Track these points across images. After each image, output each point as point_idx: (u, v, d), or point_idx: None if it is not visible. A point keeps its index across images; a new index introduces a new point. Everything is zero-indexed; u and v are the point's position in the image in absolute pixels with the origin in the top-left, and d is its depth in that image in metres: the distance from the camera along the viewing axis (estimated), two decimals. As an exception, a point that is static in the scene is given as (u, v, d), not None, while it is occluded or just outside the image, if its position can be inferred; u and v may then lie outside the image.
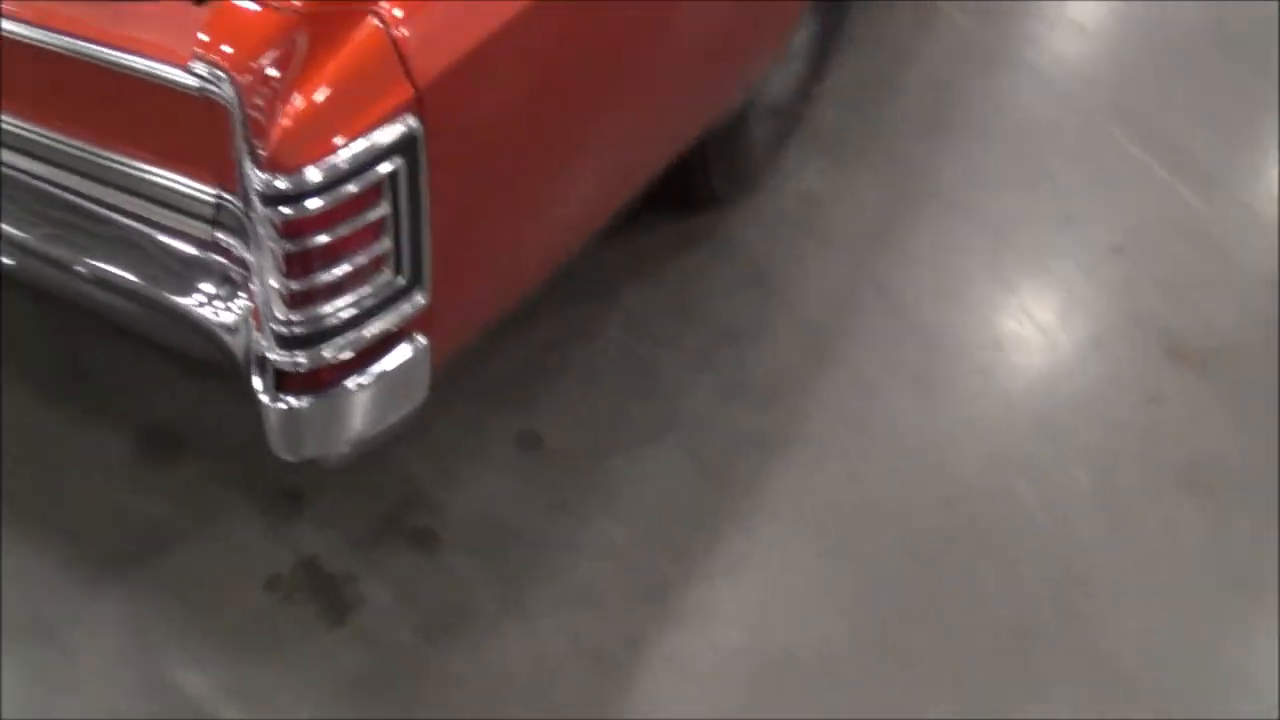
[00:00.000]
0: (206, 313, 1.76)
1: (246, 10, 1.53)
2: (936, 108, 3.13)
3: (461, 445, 2.46)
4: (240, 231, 1.66)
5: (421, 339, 1.76)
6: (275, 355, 1.66)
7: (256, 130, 1.50)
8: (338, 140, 1.52)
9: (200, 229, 1.74)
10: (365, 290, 1.65)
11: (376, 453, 2.36)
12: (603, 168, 2.12)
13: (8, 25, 1.70)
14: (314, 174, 1.52)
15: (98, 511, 2.36)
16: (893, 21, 3.35)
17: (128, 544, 2.32)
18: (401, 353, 1.75)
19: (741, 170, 2.78)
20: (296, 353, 1.65)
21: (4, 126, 1.84)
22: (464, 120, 1.67)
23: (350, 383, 1.71)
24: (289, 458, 1.75)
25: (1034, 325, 2.67)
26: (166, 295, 1.78)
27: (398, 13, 1.56)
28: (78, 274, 1.85)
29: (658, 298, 2.70)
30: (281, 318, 1.63)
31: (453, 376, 2.49)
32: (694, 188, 2.73)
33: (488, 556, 2.30)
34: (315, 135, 1.52)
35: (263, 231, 1.57)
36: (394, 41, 1.55)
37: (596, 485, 2.40)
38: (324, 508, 2.37)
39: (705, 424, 2.49)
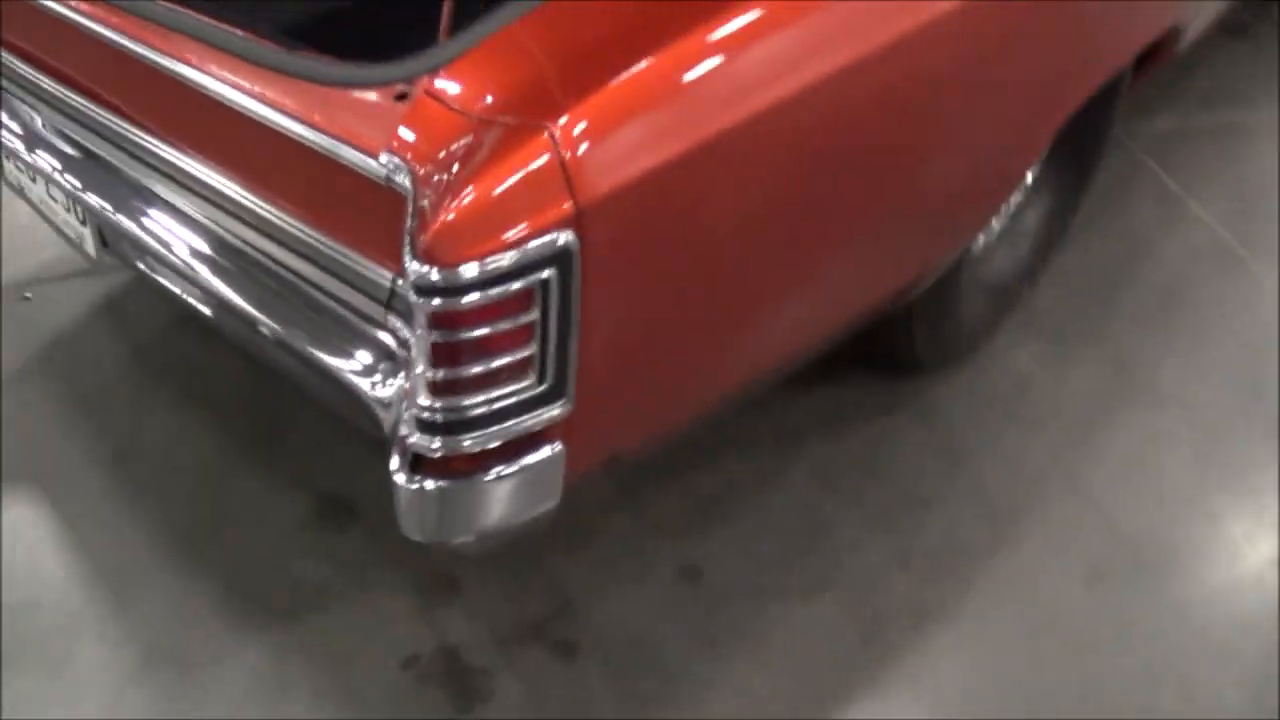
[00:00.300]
0: (364, 384, 1.85)
1: (437, 111, 1.62)
2: (1164, 304, 3.03)
3: (623, 564, 2.49)
4: (407, 316, 1.74)
5: (559, 445, 1.80)
6: (413, 437, 1.73)
7: (421, 222, 1.58)
8: (495, 242, 1.58)
9: (375, 309, 1.83)
10: (506, 390, 1.70)
11: (535, 556, 2.45)
12: (775, 315, 2.11)
13: (232, 94, 1.84)
14: (468, 271, 1.59)
15: (262, 563, 2.49)
16: (1134, 212, 3.29)
17: (283, 599, 2.43)
18: (536, 456, 1.78)
19: (949, 341, 2.76)
20: (433, 438, 1.71)
21: (229, 193, 1.99)
22: (626, 242, 1.71)
23: (481, 476, 1.76)
24: (412, 537, 1.81)
25: (1221, 536, 2.54)
26: (333, 363, 1.89)
27: (576, 130, 1.62)
28: (262, 334, 1.97)
29: (847, 451, 2.69)
30: (424, 403, 1.70)
31: (627, 494, 2.56)
32: (898, 350, 2.72)
33: (624, 677, 2.31)
34: (474, 234, 1.59)
35: (416, 319, 1.65)
36: (561, 159, 1.60)
37: (747, 628, 2.38)
38: (477, 600, 2.43)
39: (869, 586, 2.45)
